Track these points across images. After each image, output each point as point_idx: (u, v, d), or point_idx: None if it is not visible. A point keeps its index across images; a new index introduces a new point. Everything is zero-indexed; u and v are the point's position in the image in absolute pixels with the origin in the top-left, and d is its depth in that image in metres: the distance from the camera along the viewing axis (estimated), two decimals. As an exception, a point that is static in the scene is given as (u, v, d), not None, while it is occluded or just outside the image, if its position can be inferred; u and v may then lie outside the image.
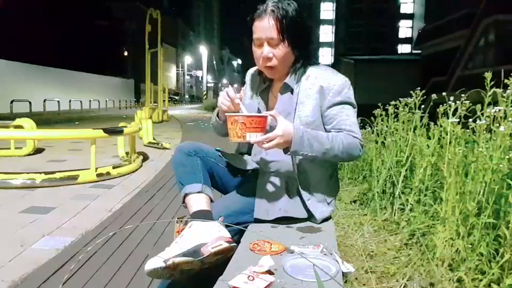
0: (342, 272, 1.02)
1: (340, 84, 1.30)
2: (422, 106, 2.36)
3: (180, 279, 1.10)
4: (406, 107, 2.49)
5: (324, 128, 1.32)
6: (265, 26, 1.24)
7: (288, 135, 1.15)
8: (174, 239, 1.14)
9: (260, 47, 1.28)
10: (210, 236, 1.10)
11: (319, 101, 1.30)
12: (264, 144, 1.14)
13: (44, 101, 16.08)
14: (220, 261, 1.09)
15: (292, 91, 1.33)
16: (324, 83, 1.29)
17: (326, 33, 52.80)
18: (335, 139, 1.24)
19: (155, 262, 1.03)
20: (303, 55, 1.32)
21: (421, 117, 2.37)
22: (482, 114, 1.64)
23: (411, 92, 2.39)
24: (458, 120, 1.78)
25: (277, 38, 1.24)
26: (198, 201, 1.26)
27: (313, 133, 1.22)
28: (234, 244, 1.12)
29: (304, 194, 1.33)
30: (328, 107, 1.30)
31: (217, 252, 1.07)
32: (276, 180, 1.36)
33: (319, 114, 1.31)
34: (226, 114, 1.17)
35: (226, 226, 1.17)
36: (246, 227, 1.30)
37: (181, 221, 1.22)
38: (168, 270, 1.03)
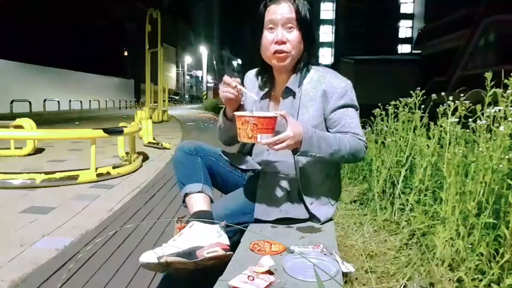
0: (342, 272, 1.02)
1: (342, 87, 1.29)
2: (422, 106, 2.35)
3: (176, 276, 1.11)
4: (406, 107, 2.48)
5: (328, 131, 1.31)
6: (283, 7, 1.25)
7: (299, 136, 1.14)
8: (174, 235, 1.14)
9: (272, 30, 1.27)
10: (207, 240, 1.10)
11: (322, 104, 1.29)
12: (275, 145, 1.12)
13: (44, 101, 16.09)
14: (215, 265, 1.09)
15: (294, 95, 1.32)
16: (327, 86, 1.29)
17: (326, 33, 52.72)
18: (342, 140, 1.24)
19: (149, 257, 1.04)
20: (308, 50, 1.32)
21: (421, 117, 2.37)
22: (482, 114, 1.64)
23: (411, 92, 2.39)
24: (458, 120, 1.78)
25: (294, 19, 1.25)
26: (198, 201, 1.26)
27: (321, 134, 1.22)
28: (230, 253, 1.12)
29: (306, 195, 1.32)
30: (332, 110, 1.29)
31: (211, 258, 1.07)
32: (277, 181, 1.35)
33: (322, 118, 1.30)
34: (235, 114, 1.14)
35: (227, 226, 1.17)
36: (246, 227, 1.30)
37: (181, 221, 1.22)
38: (160, 266, 1.04)
